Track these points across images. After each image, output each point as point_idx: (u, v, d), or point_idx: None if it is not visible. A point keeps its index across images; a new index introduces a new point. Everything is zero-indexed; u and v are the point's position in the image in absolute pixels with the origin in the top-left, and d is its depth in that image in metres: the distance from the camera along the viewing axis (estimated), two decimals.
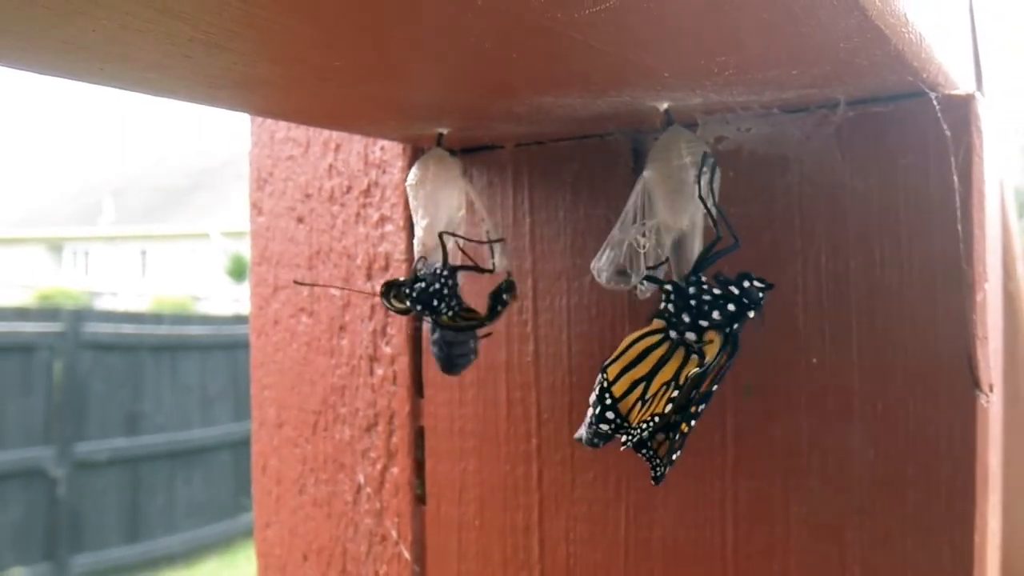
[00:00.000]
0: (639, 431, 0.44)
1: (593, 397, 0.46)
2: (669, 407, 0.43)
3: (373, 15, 0.31)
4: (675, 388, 0.44)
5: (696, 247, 0.46)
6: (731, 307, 0.43)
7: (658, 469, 0.44)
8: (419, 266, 0.51)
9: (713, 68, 0.39)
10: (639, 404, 0.44)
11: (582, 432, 0.46)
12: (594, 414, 0.45)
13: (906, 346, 0.47)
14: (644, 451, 0.45)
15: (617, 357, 0.45)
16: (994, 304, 0.52)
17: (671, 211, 0.45)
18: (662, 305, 0.45)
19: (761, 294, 0.44)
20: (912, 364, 0.47)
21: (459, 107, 0.48)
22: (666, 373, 0.44)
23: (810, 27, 0.34)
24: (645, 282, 0.47)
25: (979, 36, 0.58)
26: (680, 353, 0.44)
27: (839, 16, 0.33)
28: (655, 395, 0.44)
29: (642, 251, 0.46)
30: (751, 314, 0.44)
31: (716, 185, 0.45)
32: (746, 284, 0.44)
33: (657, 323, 0.45)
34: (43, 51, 0.35)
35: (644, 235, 0.46)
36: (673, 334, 0.44)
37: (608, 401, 0.45)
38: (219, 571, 6.33)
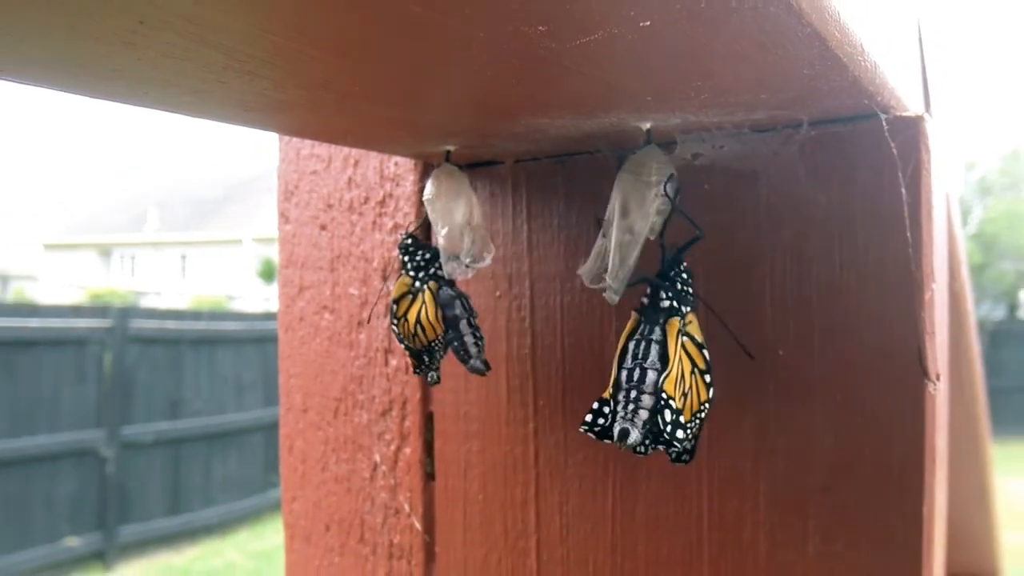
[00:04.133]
0: (696, 423, 0.43)
1: (645, 406, 0.43)
2: (712, 390, 0.43)
3: (388, 47, 0.32)
4: (703, 372, 0.43)
5: (635, 252, 0.46)
6: (690, 287, 0.45)
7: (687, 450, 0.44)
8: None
9: (690, 92, 0.39)
10: (684, 399, 0.43)
11: (633, 435, 0.42)
12: (667, 435, 0.42)
13: (862, 340, 0.47)
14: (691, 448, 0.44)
15: (669, 372, 0.43)
16: (941, 302, 0.52)
17: (635, 218, 0.45)
18: (664, 303, 0.44)
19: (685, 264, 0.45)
20: (868, 356, 0.47)
21: (464, 127, 0.48)
22: (686, 360, 0.44)
23: (777, 56, 0.34)
24: (618, 291, 0.46)
25: (927, 63, 0.58)
26: (684, 339, 0.44)
27: (803, 46, 0.33)
28: (691, 386, 0.43)
29: (612, 255, 0.46)
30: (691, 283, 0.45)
31: (677, 198, 0.46)
32: (683, 265, 0.45)
33: (673, 322, 0.44)
34: (94, 78, 0.35)
35: (607, 236, 0.46)
36: (680, 323, 0.44)
37: (676, 418, 0.43)
38: (250, 540, 6.33)
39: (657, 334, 0.43)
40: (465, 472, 0.60)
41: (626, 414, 0.42)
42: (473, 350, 0.52)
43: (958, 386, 1.06)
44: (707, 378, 0.44)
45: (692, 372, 0.44)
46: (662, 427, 0.42)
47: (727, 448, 0.50)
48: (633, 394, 0.42)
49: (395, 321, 0.55)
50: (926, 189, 0.46)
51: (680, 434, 0.43)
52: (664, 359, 0.43)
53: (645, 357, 0.43)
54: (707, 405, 0.43)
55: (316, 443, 0.68)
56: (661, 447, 0.43)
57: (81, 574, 5.53)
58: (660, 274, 0.45)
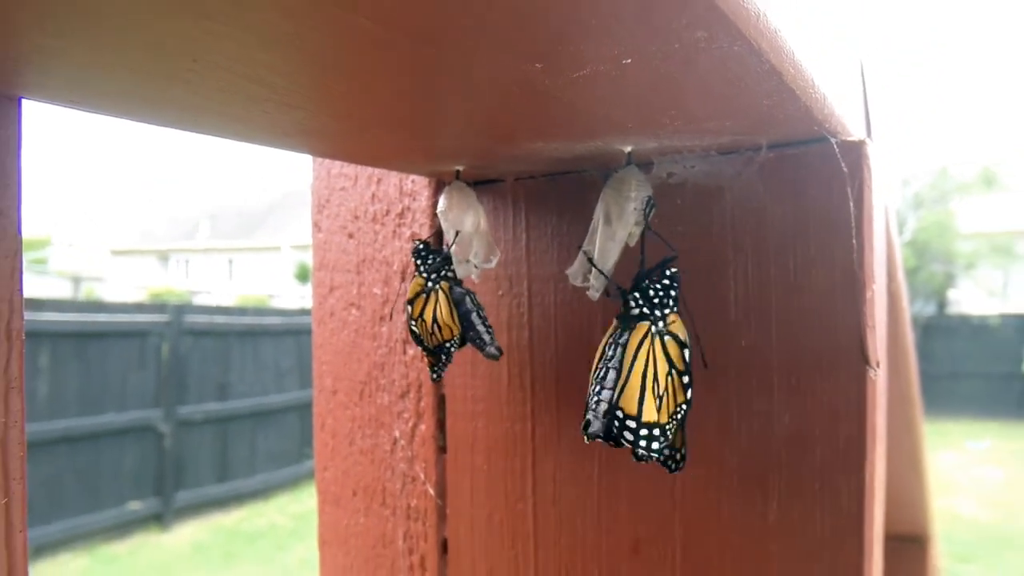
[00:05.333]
0: (671, 425, 0.39)
1: (604, 399, 0.40)
2: (690, 392, 0.39)
3: (407, 85, 0.32)
4: (681, 373, 0.40)
5: (614, 256, 0.45)
6: (673, 292, 0.43)
7: (677, 458, 0.40)
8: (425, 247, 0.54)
9: (665, 121, 0.39)
10: (659, 401, 0.40)
11: (594, 426, 0.41)
12: (645, 448, 0.40)
13: (813, 332, 0.47)
14: (670, 452, 0.41)
15: (624, 385, 0.40)
16: (880, 300, 0.52)
17: (616, 227, 0.45)
18: (635, 311, 0.42)
19: (676, 272, 0.43)
20: (818, 346, 0.47)
21: (471, 150, 0.48)
22: (662, 363, 0.41)
23: (739, 89, 0.34)
24: (598, 289, 0.45)
25: (868, 93, 0.58)
26: (658, 342, 0.41)
27: (762, 81, 0.33)
28: (667, 388, 0.40)
29: (595, 258, 0.46)
30: (678, 289, 0.43)
31: (650, 216, 0.45)
32: (668, 272, 0.43)
33: (642, 325, 0.42)
34: (157, 109, 0.35)
35: (592, 245, 0.46)
36: (654, 328, 0.42)
37: (654, 432, 0.39)
38: (288, 504, 6.33)
39: (625, 338, 0.42)
40: (472, 445, 0.60)
41: (591, 407, 0.41)
42: (487, 338, 0.52)
43: (895, 372, 1.06)
44: (684, 379, 0.41)
45: (669, 374, 0.41)
46: (632, 443, 0.40)
47: (697, 426, 0.50)
48: (597, 388, 0.41)
49: (412, 321, 0.53)
50: (868, 203, 0.46)
51: (655, 445, 0.40)
52: (633, 361, 0.41)
53: (611, 359, 0.42)
54: (684, 407, 0.40)
55: (344, 421, 0.68)
56: (649, 458, 0.40)
57: (142, 533, 5.53)
58: (633, 285, 0.43)
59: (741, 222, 0.49)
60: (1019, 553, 4.96)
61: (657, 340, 0.41)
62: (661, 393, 0.40)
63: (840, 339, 0.46)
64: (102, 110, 0.35)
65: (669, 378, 0.41)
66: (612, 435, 0.40)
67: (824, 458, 0.47)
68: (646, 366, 0.40)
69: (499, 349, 0.52)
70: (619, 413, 0.40)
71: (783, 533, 0.48)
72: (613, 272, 0.46)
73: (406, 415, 0.64)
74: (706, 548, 0.50)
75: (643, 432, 0.40)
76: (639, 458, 0.40)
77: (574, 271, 0.47)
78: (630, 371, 0.41)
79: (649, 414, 0.40)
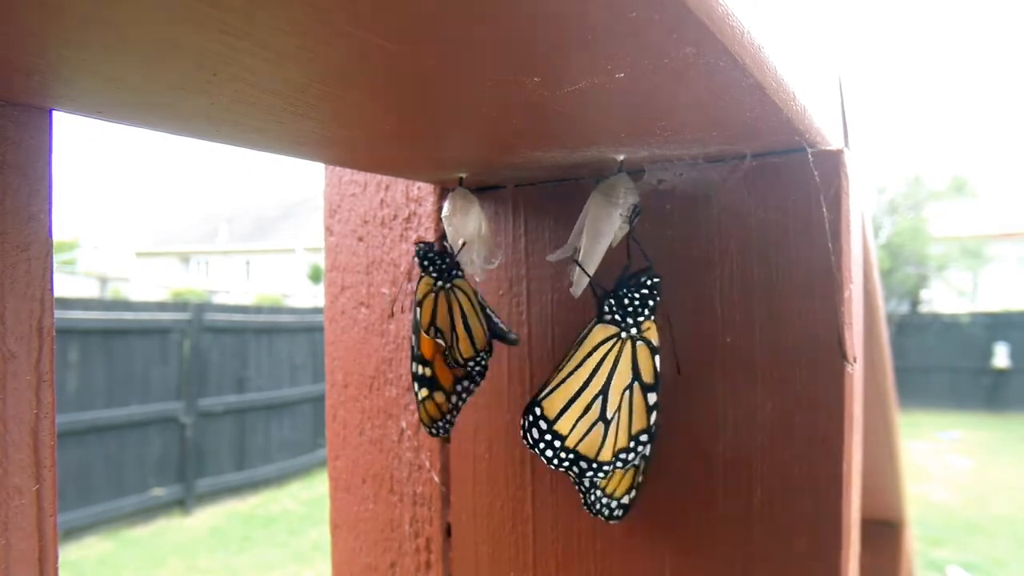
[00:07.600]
0: (631, 455, 0.34)
1: (533, 431, 0.35)
2: (654, 415, 0.35)
3: (414, 96, 0.32)
4: (647, 389, 0.36)
5: (598, 257, 0.44)
6: (651, 302, 0.41)
7: (612, 506, 0.35)
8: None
9: (655, 131, 0.39)
10: (599, 426, 0.35)
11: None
12: (540, 453, 0.35)
13: (794, 329, 0.47)
14: (606, 501, 0.36)
15: (559, 386, 0.34)
16: (857, 299, 0.52)
17: (602, 229, 0.45)
18: (608, 316, 0.41)
19: (659, 282, 0.42)
20: (799, 342, 0.47)
21: (474, 159, 0.48)
22: (621, 375, 0.37)
23: (725, 102, 0.34)
24: (580, 286, 0.43)
25: (846, 105, 0.58)
26: (627, 348, 0.39)
27: (746, 94, 0.33)
28: (618, 409, 0.35)
29: (580, 258, 0.46)
30: (659, 299, 0.42)
31: (635, 222, 0.44)
32: (648, 282, 0.42)
33: (608, 329, 0.40)
34: (178, 119, 0.35)
35: (578, 245, 0.46)
36: (623, 334, 0.41)
37: (554, 443, 0.34)
38: (301, 491, 6.32)
39: (583, 335, 0.39)
40: (475, 436, 0.60)
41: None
42: (504, 328, 0.47)
43: (871, 366, 1.06)
44: (651, 398, 0.36)
45: (628, 388, 0.36)
46: (534, 442, 0.35)
47: (687, 417, 0.50)
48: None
49: (433, 332, 0.49)
50: (845, 208, 0.46)
51: (549, 453, 0.35)
52: (581, 363, 0.37)
53: (569, 350, 0.39)
54: (646, 436, 0.35)
55: (355, 412, 0.68)
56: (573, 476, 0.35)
57: (165, 518, 5.53)
58: (612, 290, 0.42)
59: (726, 226, 0.49)
60: (987, 538, 4.96)
61: (628, 346, 0.39)
62: (610, 416, 0.36)
63: (819, 335, 0.46)
64: (126, 121, 0.35)
65: (627, 393, 0.37)
66: (524, 427, 0.36)
67: (804, 446, 0.47)
68: (594, 374, 0.37)
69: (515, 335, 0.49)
70: (537, 410, 0.37)
71: (766, 515, 0.48)
72: (595, 272, 0.46)
73: (412, 407, 0.64)
74: (694, 529, 0.50)
75: (547, 437, 0.37)
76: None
77: (556, 256, 0.47)
78: (571, 374, 0.37)
79: (562, 426, 0.36)
